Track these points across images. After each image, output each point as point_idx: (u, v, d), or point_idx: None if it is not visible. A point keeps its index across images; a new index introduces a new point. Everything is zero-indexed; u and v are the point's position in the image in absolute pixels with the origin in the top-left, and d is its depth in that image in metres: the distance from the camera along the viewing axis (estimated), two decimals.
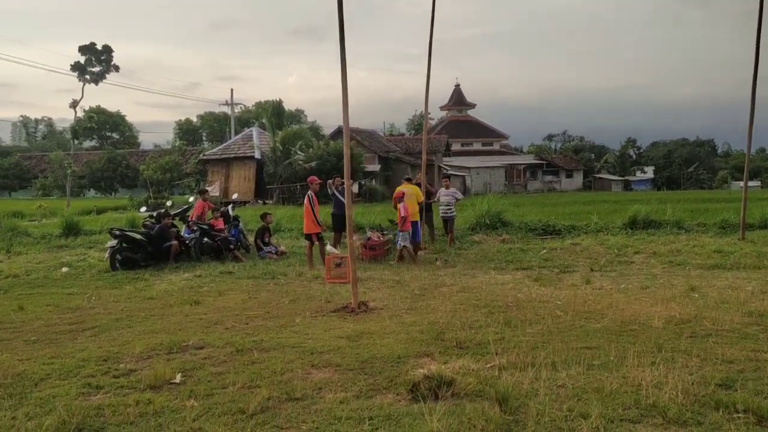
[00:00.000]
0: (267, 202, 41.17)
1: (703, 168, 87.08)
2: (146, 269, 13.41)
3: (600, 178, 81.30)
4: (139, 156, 70.09)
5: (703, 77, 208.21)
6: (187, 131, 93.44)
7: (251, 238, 16.04)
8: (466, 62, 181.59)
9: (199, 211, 15.32)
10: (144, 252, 13.74)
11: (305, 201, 13.13)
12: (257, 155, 43.73)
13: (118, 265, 13.36)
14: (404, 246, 13.92)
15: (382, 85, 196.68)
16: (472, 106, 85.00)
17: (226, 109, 66.87)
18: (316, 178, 13.98)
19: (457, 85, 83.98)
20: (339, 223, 16.19)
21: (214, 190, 45.39)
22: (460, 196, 16.53)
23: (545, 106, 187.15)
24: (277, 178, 42.61)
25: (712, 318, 7.49)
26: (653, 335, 6.79)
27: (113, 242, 13.65)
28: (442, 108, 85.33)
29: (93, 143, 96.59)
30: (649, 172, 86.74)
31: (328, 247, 12.67)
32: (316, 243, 13.33)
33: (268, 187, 42.48)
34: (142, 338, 7.37)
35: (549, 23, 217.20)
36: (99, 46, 51.80)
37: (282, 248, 15.50)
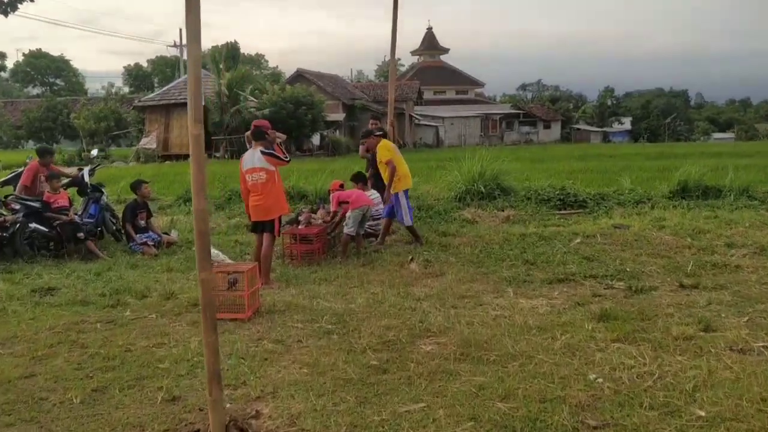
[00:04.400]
0: (215, 155, 35.52)
1: (680, 119, 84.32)
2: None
3: (578, 129, 77.23)
4: (83, 105, 63.40)
5: (673, 28, 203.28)
6: (137, 77, 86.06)
7: None
8: (438, 9, 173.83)
9: (28, 179, 9.72)
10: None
11: (262, 160, 7.66)
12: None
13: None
14: (349, 235, 8.69)
15: (352, 33, 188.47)
16: (446, 51, 78.94)
17: (177, 52, 60.53)
18: (263, 122, 8.23)
19: (430, 29, 77.70)
20: None
21: (150, 142, 39.38)
22: None
23: (516, 55, 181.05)
24: (223, 127, 36.77)
25: None
26: None
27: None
28: (413, 53, 79.16)
29: (37, 90, 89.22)
30: (627, 123, 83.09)
31: (214, 251, 7.19)
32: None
33: (213, 138, 36.62)
34: None
35: None
36: None
37: (171, 235, 10.07)
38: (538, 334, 5.39)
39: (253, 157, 7.51)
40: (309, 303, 6.64)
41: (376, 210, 9.79)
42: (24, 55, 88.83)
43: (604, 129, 78.86)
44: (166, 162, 35.17)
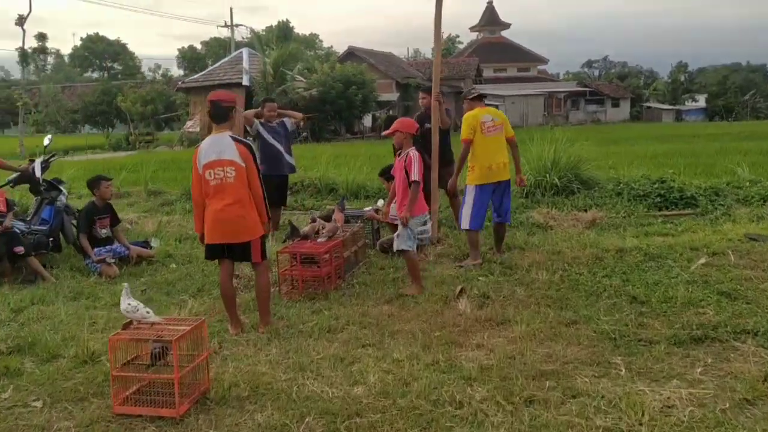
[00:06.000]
0: (248, 138, 33.33)
1: (760, 95, 78.46)
2: None
3: (649, 107, 72.47)
4: (130, 88, 62.59)
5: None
6: (191, 60, 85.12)
7: None
8: None
9: None
10: None
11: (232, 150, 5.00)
12: (245, 82, 35.46)
13: None
14: (403, 250, 6.03)
15: (409, 11, 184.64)
16: (507, 26, 74.78)
17: (228, 33, 58.74)
18: (225, 94, 5.49)
19: (490, 3, 73.51)
20: (271, 191, 8.39)
21: (194, 125, 37.53)
22: None
23: (580, 30, 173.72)
24: None
25: None
26: None
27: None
28: (472, 29, 75.33)
29: (95, 74, 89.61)
30: (701, 100, 77.76)
31: (127, 301, 4.59)
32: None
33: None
34: None
35: None
36: None
37: (148, 247, 7.68)
38: None
39: (218, 145, 4.97)
40: (289, 384, 4.10)
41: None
42: (82, 39, 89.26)
43: (677, 107, 73.91)
44: None
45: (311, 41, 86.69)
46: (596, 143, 20.51)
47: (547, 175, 9.88)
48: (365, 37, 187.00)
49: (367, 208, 7.64)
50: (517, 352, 4.45)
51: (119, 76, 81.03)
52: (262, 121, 8.48)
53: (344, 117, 36.51)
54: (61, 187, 7.89)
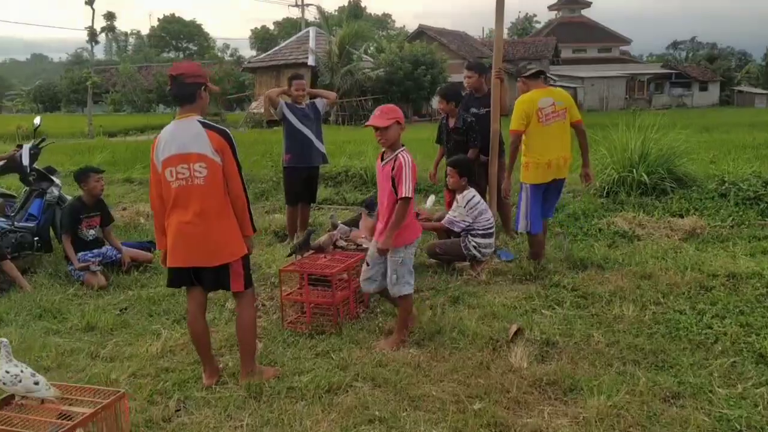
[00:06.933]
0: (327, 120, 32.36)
1: None
2: None
3: (741, 91, 67.65)
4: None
5: None
6: (263, 40, 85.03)
7: None
8: None
9: None
10: None
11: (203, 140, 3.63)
12: (311, 61, 34.36)
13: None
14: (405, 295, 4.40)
15: None
16: (587, 4, 71.16)
17: (299, 12, 57.95)
18: (192, 66, 4.04)
19: None
20: (298, 185, 7.14)
21: (259, 106, 36.71)
22: None
23: (666, 9, 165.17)
24: (334, 90, 33.33)
25: None
26: None
27: None
28: (550, 8, 71.97)
29: (171, 55, 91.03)
30: None
31: (5, 368, 3.32)
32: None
33: None
34: None
35: None
36: None
37: (152, 249, 6.50)
38: None
39: (183, 134, 3.66)
40: None
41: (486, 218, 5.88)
42: (159, 20, 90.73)
43: None
44: (274, 128, 32.38)
45: (384, 22, 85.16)
46: (684, 131, 18.37)
47: (634, 171, 8.17)
48: (439, 17, 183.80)
49: (429, 201, 6.22)
50: None
51: (194, 56, 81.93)
52: (289, 102, 7.15)
53: (412, 99, 34.96)
54: (54, 178, 6.79)
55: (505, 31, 70.07)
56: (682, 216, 7.34)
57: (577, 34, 66.61)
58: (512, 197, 6.42)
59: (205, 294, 3.88)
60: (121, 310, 5.18)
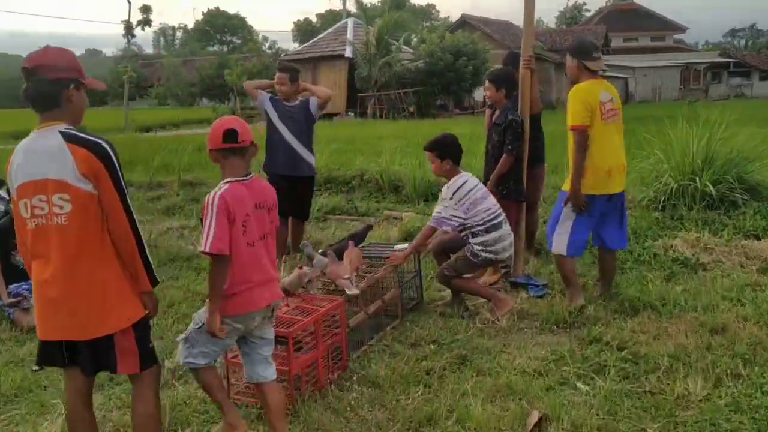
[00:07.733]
0: (348, 114, 31.45)
1: None
2: None
3: None
4: (236, 61, 62.74)
5: None
6: (305, 33, 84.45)
7: None
8: None
9: None
10: None
11: (67, 166, 2.47)
12: (348, 53, 33.32)
13: None
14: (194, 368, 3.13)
15: None
16: None
17: (341, 4, 57.09)
18: (56, 55, 2.48)
19: None
20: (284, 200, 5.91)
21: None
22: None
23: None
24: (372, 83, 32.20)
25: None
26: None
27: None
28: None
29: (215, 48, 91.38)
30: None
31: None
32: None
33: (359, 95, 32.30)
34: None
35: None
36: None
37: None
38: None
39: (39, 153, 2.51)
40: None
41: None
42: (203, 14, 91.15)
43: None
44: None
45: (427, 12, 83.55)
46: (746, 125, 16.63)
47: (697, 179, 6.75)
48: (485, 8, 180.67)
49: (399, 246, 4.96)
50: None
51: (238, 50, 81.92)
52: (277, 97, 6.02)
53: (453, 91, 33.57)
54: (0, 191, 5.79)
55: (553, 19, 68.15)
56: (758, 237, 5.92)
57: (628, 22, 64.23)
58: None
59: (86, 377, 2.75)
60: (38, 366, 4.11)
